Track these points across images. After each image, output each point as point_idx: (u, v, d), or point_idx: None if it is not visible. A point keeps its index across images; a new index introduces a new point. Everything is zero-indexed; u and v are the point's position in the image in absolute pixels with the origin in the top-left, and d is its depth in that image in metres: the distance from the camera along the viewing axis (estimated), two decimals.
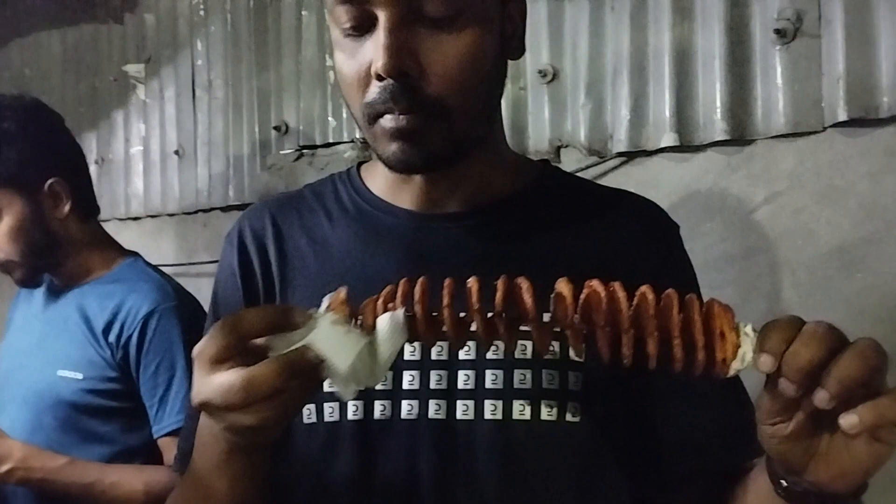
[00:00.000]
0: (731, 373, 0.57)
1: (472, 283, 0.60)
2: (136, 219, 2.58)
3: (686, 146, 1.44)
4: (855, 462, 0.57)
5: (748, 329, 0.57)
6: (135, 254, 1.60)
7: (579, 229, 0.83)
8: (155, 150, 2.51)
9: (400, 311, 0.61)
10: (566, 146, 1.59)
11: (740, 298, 1.36)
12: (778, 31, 1.31)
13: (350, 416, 0.76)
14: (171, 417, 1.39)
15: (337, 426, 0.77)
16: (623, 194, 0.90)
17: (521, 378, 0.75)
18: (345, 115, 1.98)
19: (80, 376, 1.42)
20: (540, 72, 1.60)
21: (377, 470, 0.76)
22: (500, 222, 0.82)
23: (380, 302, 0.62)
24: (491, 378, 0.76)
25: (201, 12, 2.36)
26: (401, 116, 0.71)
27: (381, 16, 0.69)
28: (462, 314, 0.61)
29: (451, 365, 0.76)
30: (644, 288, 0.58)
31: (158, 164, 2.49)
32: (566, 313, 0.60)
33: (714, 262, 1.39)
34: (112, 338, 1.43)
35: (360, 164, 0.91)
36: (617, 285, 0.59)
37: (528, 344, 0.76)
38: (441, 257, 0.80)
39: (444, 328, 0.61)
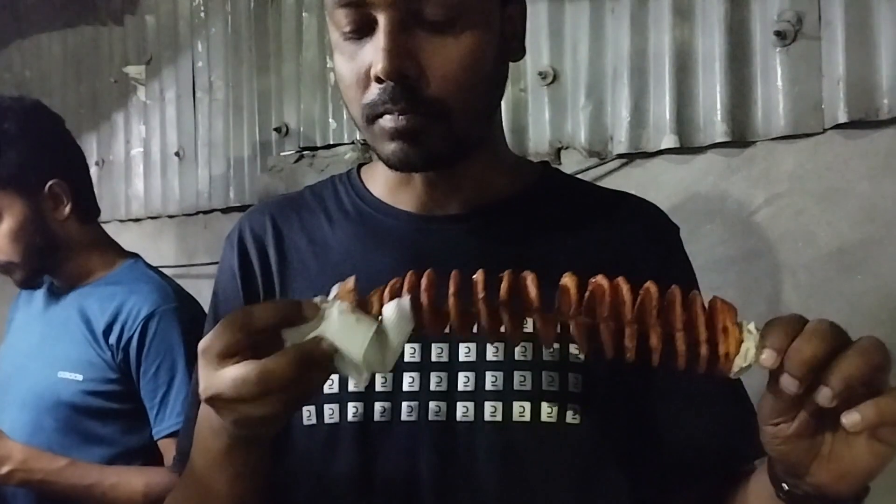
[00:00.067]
0: (735, 369, 0.57)
1: (478, 275, 0.61)
2: (136, 220, 2.59)
3: (686, 148, 1.44)
4: (857, 463, 0.57)
5: (751, 326, 0.57)
6: (135, 255, 1.60)
7: (579, 231, 0.83)
8: (155, 151, 2.51)
9: (406, 299, 0.61)
10: (566, 148, 1.60)
11: (740, 300, 1.34)
12: (778, 33, 1.31)
13: (350, 417, 0.76)
14: (171, 419, 1.39)
15: (337, 428, 0.77)
16: (623, 196, 0.90)
17: (521, 379, 0.75)
18: (345, 116, 1.98)
19: (80, 378, 1.42)
20: (540, 73, 1.60)
21: (377, 471, 0.76)
22: (500, 224, 0.82)
23: (386, 291, 0.63)
24: (491, 379, 0.76)
25: (202, 14, 2.36)
26: (400, 117, 0.71)
27: (381, 19, 0.69)
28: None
29: (452, 366, 0.76)
30: (648, 283, 0.59)
31: (159, 166, 2.50)
32: (570, 306, 0.60)
33: (714, 263, 1.39)
34: (112, 339, 1.43)
35: (360, 165, 0.91)
36: (621, 280, 0.59)
37: (529, 346, 0.76)
38: (441, 259, 0.79)
39: (450, 318, 0.61)
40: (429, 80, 0.71)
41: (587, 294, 0.60)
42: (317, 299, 0.62)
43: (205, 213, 2.37)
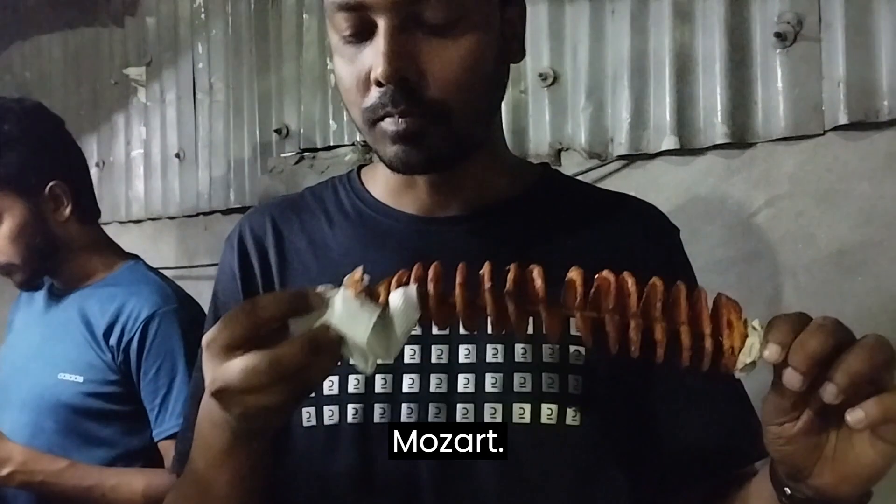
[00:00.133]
0: (739, 366, 0.57)
1: (485, 266, 0.61)
2: (136, 222, 2.58)
3: (686, 149, 1.44)
4: (861, 464, 0.57)
5: (755, 323, 0.57)
6: (135, 257, 1.61)
7: (579, 232, 0.83)
8: (156, 153, 2.51)
9: (412, 287, 0.61)
10: (567, 149, 1.60)
11: (741, 301, 1.35)
12: (778, 35, 1.31)
13: (350, 419, 0.76)
14: (171, 420, 1.39)
15: (336, 429, 0.77)
16: (623, 198, 0.90)
17: (521, 381, 0.75)
18: (345, 118, 1.98)
19: (80, 379, 1.42)
20: (540, 75, 1.60)
21: (377, 473, 0.76)
22: (500, 225, 0.82)
23: (393, 281, 0.63)
24: (491, 381, 0.76)
25: (202, 15, 2.36)
26: (400, 120, 0.71)
27: (381, 23, 0.69)
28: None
29: (451, 368, 0.76)
30: (654, 279, 0.59)
31: (159, 167, 2.50)
32: (576, 299, 0.60)
33: (714, 265, 1.39)
34: (113, 341, 1.43)
35: (360, 167, 0.91)
36: (626, 274, 0.60)
37: (529, 347, 0.76)
38: (441, 260, 0.80)
39: (456, 309, 0.61)
40: (429, 82, 0.71)
41: (593, 289, 0.60)
42: (321, 288, 0.63)
43: (205, 214, 2.37)
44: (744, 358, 0.57)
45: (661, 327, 0.58)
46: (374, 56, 0.70)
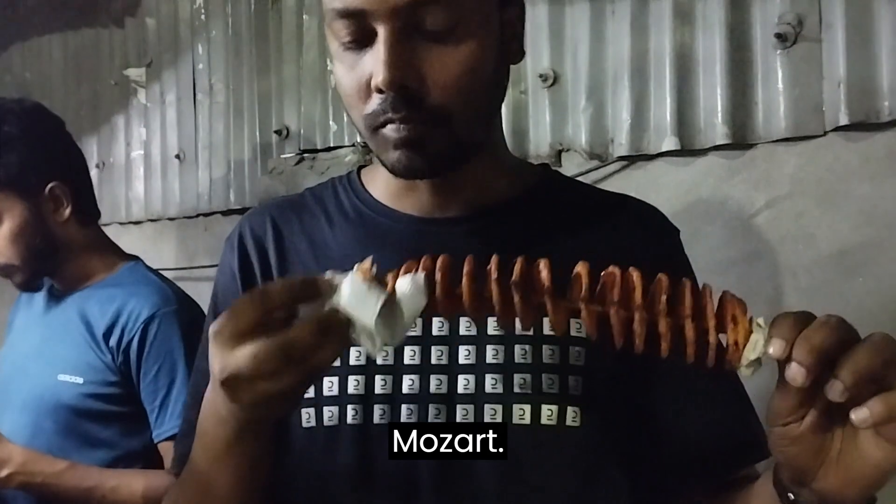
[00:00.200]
0: (744, 362, 0.57)
1: (493, 258, 0.62)
2: (136, 223, 2.59)
3: (687, 150, 1.44)
4: (865, 466, 0.56)
5: (760, 321, 0.57)
6: (135, 258, 1.60)
7: (579, 233, 0.83)
8: (156, 154, 2.51)
9: (421, 274, 0.62)
10: (567, 150, 1.59)
11: None
12: (779, 36, 1.31)
13: (349, 420, 0.76)
14: (171, 422, 1.39)
15: (336, 430, 0.76)
16: (623, 198, 0.90)
17: (521, 382, 0.75)
18: (345, 119, 1.98)
19: (80, 380, 1.42)
20: (541, 76, 1.60)
21: (376, 474, 0.75)
22: (500, 226, 0.82)
23: (402, 270, 0.63)
24: (491, 382, 0.76)
25: (202, 16, 2.36)
26: (402, 126, 0.71)
27: (381, 30, 0.69)
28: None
29: (451, 369, 0.76)
30: (660, 274, 0.59)
31: (159, 168, 2.50)
32: (581, 291, 0.60)
33: (715, 266, 1.39)
34: (113, 342, 1.42)
35: (360, 167, 0.91)
36: (633, 269, 0.60)
37: (528, 348, 0.76)
38: None
39: (462, 299, 0.62)
40: (430, 88, 0.71)
41: (599, 284, 0.60)
42: (329, 274, 0.63)
43: (205, 215, 2.37)
44: (748, 354, 0.57)
45: (665, 321, 0.58)
46: (374, 63, 0.70)
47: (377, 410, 0.76)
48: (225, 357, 0.60)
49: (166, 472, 1.37)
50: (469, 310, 0.62)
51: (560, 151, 1.60)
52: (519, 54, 0.81)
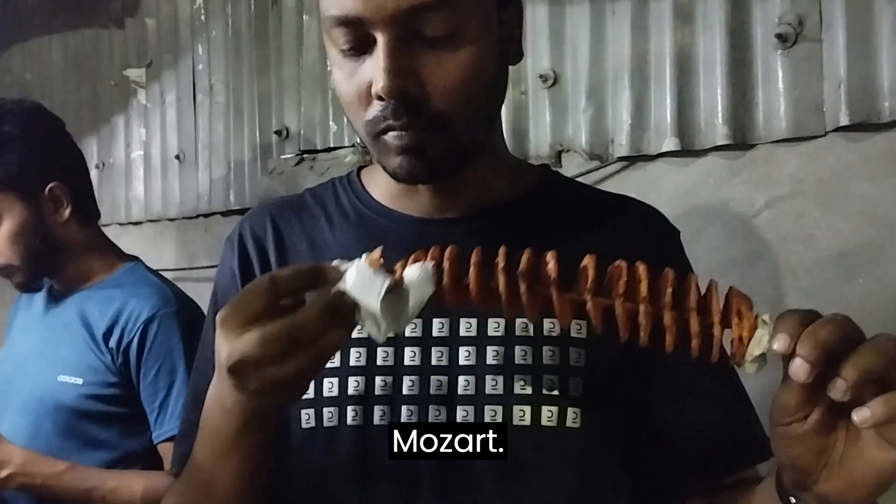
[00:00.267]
0: (749, 358, 0.57)
1: (501, 250, 0.62)
2: (136, 223, 2.59)
3: (687, 151, 1.44)
4: (868, 469, 0.56)
5: (766, 317, 0.57)
6: (135, 258, 1.60)
7: (579, 234, 0.83)
8: (156, 154, 2.51)
9: (430, 263, 0.63)
10: (567, 151, 1.59)
11: None
12: (779, 36, 1.31)
13: (349, 420, 0.76)
14: (171, 422, 1.39)
15: (336, 431, 0.76)
16: (624, 199, 0.90)
17: (522, 383, 0.75)
18: (345, 120, 1.97)
19: (80, 381, 1.42)
20: (541, 76, 1.60)
21: (376, 474, 0.75)
22: (500, 227, 0.82)
23: (410, 260, 0.64)
24: (491, 383, 0.75)
25: (202, 17, 2.36)
26: (403, 133, 0.71)
27: (380, 38, 0.69)
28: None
29: (451, 370, 0.76)
30: (667, 269, 0.60)
31: (159, 169, 2.50)
32: (588, 283, 0.60)
33: (715, 266, 1.39)
34: (112, 343, 1.42)
35: (360, 168, 0.91)
36: (639, 262, 0.60)
37: (528, 349, 0.76)
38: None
39: (469, 289, 0.62)
40: (430, 94, 0.71)
41: (606, 278, 0.61)
42: (337, 262, 0.64)
43: (205, 216, 2.37)
44: (752, 349, 0.57)
45: (670, 314, 0.58)
46: (374, 70, 0.70)
47: (377, 411, 0.76)
48: (232, 342, 0.60)
49: (166, 472, 1.37)
50: (476, 300, 0.62)
51: (560, 152, 1.60)
52: (518, 55, 0.81)
